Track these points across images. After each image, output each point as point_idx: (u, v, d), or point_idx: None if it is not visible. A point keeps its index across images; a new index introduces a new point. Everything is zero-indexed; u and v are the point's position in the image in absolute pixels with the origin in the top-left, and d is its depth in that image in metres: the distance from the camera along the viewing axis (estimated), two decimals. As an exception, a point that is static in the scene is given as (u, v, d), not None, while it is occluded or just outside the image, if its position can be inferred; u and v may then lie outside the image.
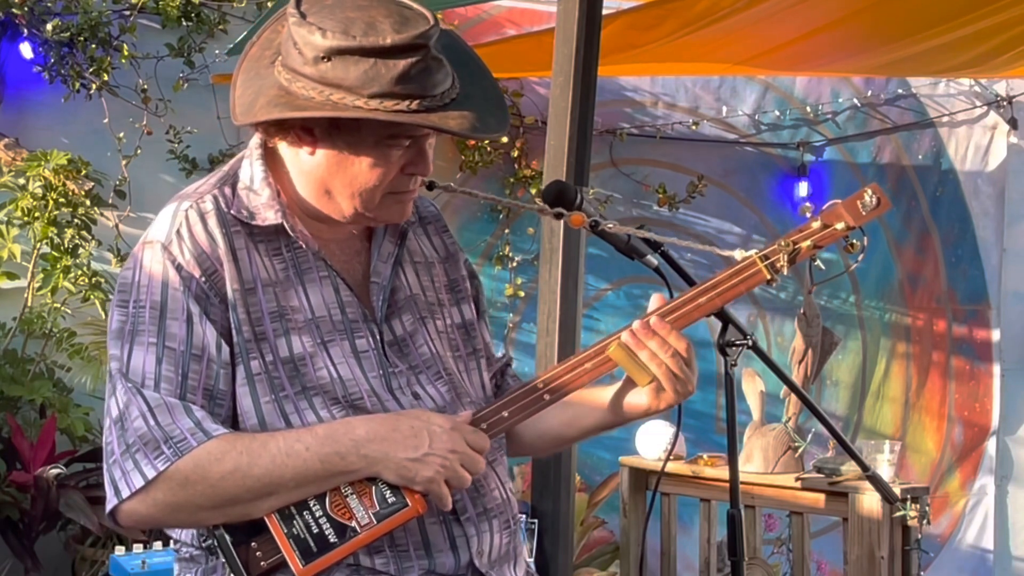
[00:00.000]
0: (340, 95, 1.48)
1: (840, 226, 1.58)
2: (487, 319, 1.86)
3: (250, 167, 1.63)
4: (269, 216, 1.59)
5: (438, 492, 1.52)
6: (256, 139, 1.64)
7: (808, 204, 1.55)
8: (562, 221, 1.77)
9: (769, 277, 1.60)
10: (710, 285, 1.61)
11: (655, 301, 1.65)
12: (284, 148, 1.60)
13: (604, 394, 1.73)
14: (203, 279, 1.55)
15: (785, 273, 1.61)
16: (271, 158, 1.63)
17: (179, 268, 1.54)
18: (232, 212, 1.59)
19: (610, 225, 1.80)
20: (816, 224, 1.60)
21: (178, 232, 1.56)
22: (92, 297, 4.42)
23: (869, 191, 1.59)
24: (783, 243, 1.60)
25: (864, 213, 1.59)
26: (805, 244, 1.59)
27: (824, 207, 1.61)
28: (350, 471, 1.51)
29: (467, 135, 1.54)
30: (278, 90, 1.52)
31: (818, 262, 1.64)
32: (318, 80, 1.49)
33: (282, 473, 1.49)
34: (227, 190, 1.61)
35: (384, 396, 1.60)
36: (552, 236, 3.67)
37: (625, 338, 1.61)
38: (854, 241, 1.60)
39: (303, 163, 1.58)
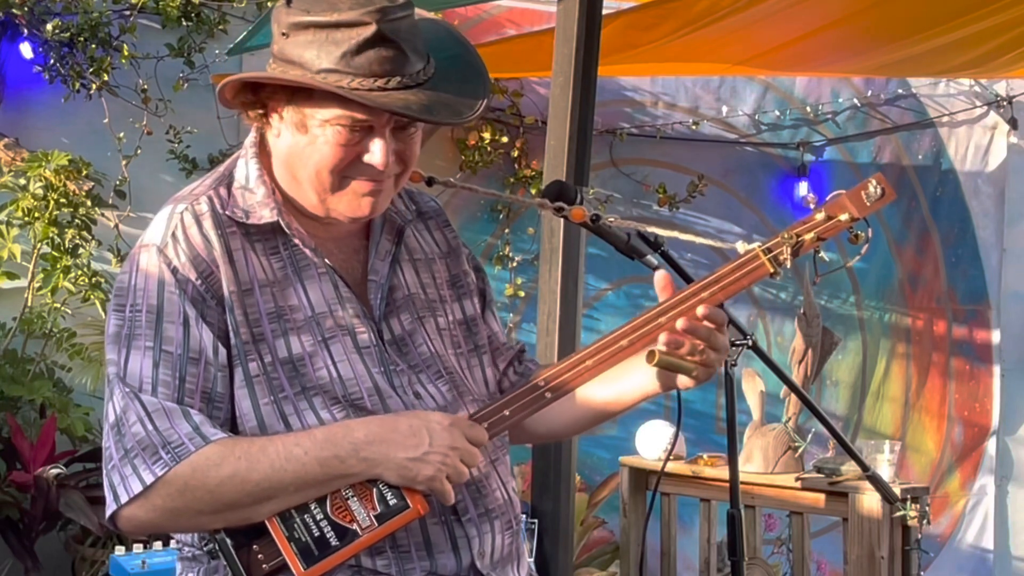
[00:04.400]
0: (295, 71, 1.49)
1: (844, 217, 1.54)
2: (494, 308, 1.84)
3: (245, 166, 1.62)
4: (264, 214, 1.58)
5: (440, 489, 1.51)
6: (251, 138, 1.64)
7: (811, 195, 1.52)
8: (563, 221, 1.75)
9: (772, 270, 1.56)
10: (712, 279, 1.58)
11: (661, 281, 1.61)
12: (269, 139, 1.60)
13: (646, 368, 1.67)
14: (199, 282, 1.54)
15: (788, 266, 1.56)
16: (264, 156, 1.62)
17: (175, 271, 1.54)
18: (227, 213, 1.58)
19: (610, 220, 1.78)
20: (820, 216, 1.55)
21: (173, 235, 1.55)
22: (92, 297, 4.42)
23: (873, 181, 1.54)
24: (786, 235, 1.55)
25: (868, 204, 1.55)
26: (808, 236, 1.55)
27: (828, 198, 1.57)
28: (350, 474, 1.50)
29: (399, 113, 1.49)
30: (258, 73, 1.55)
31: (822, 254, 1.61)
32: (280, 57, 1.51)
33: (281, 477, 1.48)
34: (222, 191, 1.61)
35: (387, 393, 1.59)
36: (552, 236, 3.67)
37: (664, 343, 1.57)
38: (858, 232, 1.57)
39: (275, 148, 1.59)
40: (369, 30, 1.46)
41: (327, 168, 1.54)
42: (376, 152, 1.53)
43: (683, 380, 1.65)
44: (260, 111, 1.56)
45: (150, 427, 1.49)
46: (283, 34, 1.49)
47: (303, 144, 1.54)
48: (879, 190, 1.55)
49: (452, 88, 1.54)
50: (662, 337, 1.57)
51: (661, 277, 1.62)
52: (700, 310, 1.57)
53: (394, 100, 1.47)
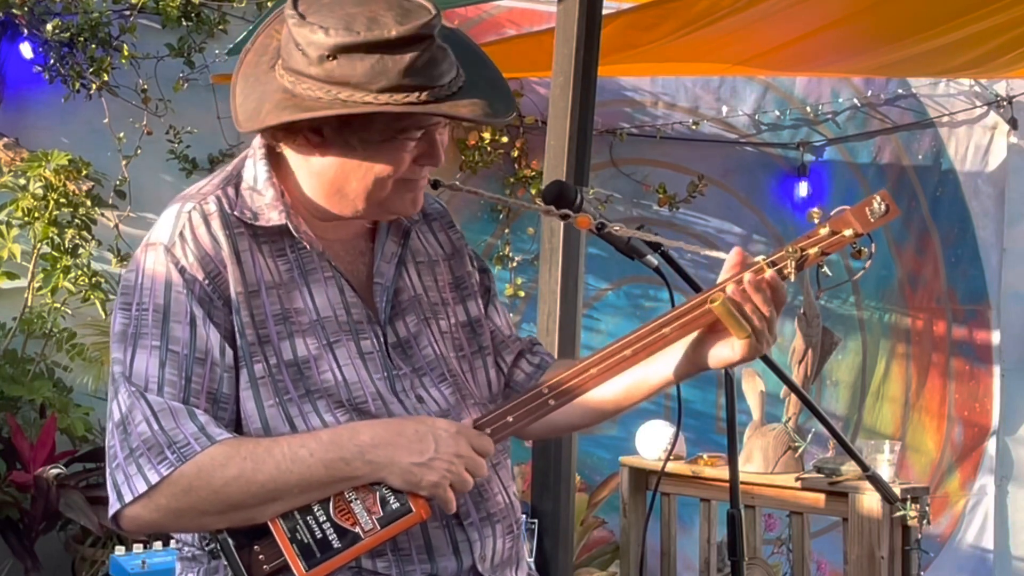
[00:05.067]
0: (348, 92, 1.47)
1: (848, 233, 1.56)
2: (498, 303, 1.84)
3: (254, 167, 1.62)
4: (273, 217, 1.58)
5: (443, 496, 1.51)
6: (259, 139, 1.62)
7: (816, 209, 1.52)
8: (563, 222, 1.75)
9: None
10: (717, 291, 1.60)
11: (735, 257, 1.60)
12: (290, 151, 1.59)
13: (674, 350, 1.66)
14: (206, 282, 1.54)
15: (792, 280, 1.58)
16: (275, 158, 1.61)
17: (182, 271, 1.53)
18: (235, 213, 1.58)
19: (616, 227, 1.78)
20: (824, 231, 1.57)
21: (181, 234, 1.55)
22: (92, 297, 4.42)
23: (878, 198, 1.57)
24: (791, 249, 1.57)
25: (872, 220, 1.57)
26: (812, 251, 1.57)
27: (832, 213, 1.59)
28: (355, 476, 1.50)
29: (480, 120, 1.53)
30: (283, 94, 1.51)
31: (825, 268, 1.62)
32: (324, 79, 1.48)
33: (286, 479, 1.48)
34: (230, 191, 1.60)
35: (389, 398, 1.59)
36: (552, 236, 3.67)
37: (731, 292, 1.56)
38: (862, 248, 1.59)
39: (313, 165, 1.57)
40: (426, 44, 1.47)
41: (390, 177, 1.54)
42: (436, 154, 1.56)
43: (716, 355, 1.63)
44: (292, 135, 1.54)
45: (156, 427, 1.48)
46: (327, 56, 1.46)
47: (360, 159, 1.53)
48: (883, 206, 1.56)
49: (481, 80, 1.55)
50: (730, 287, 1.57)
51: (735, 253, 1.61)
52: (768, 273, 1.56)
53: (469, 108, 1.50)
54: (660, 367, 1.68)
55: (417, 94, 1.47)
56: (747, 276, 1.56)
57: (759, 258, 1.59)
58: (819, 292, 1.67)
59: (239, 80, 1.58)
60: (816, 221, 1.60)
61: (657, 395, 1.75)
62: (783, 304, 1.60)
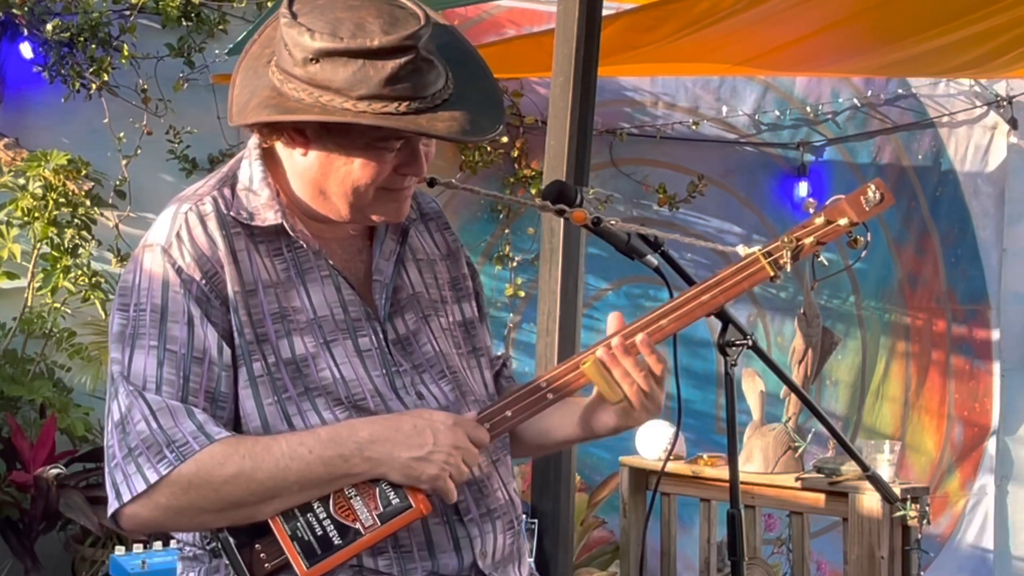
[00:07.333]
0: (329, 97, 1.47)
1: (843, 222, 1.57)
2: (487, 320, 1.86)
3: (249, 168, 1.62)
4: (269, 216, 1.59)
5: (444, 488, 1.53)
6: (254, 139, 1.63)
7: (811, 200, 1.53)
8: (563, 220, 1.76)
9: (772, 274, 1.59)
10: (713, 283, 1.60)
11: (614, 322, 1.64)
12: (280, 148, 1.59)
13: (576, 408, 1.73)
14: (204, 282, 1.54)
15: (788, 270, 1.59)
16: (270, 158, 1.62)
17: (179, 271, 1.54)
18: (232, 214, 1.59)
19: (612, 222, 1.79)
20: (819, 220, 1.58)
21: (178, 235, 1.56)
22: (92, 297, 4.42)
23: (872, 187, 1.57)
24: (786, 239, 1.58)
25: (867, 209, 1.57)
26: (808, 240, 1.58)
27: (827, 203, 1.59)
28: (354, 473, 1.51)
29: (456, 139, 1.52)
30: (270, 91, 1.52)
31: (821, 258, 1.62)
32: (307, 82, 1.48)
33: (285, 476, 1.48)
34: (226, 191, 1.61)
35: (388, 396, 1.60)
36: (552, 236, 3.67)
37: (600, 354, 1.60)
38: (857, 237, 1.59)
39: (297, 164, 1.58)
40: (410, 55, 1.47)
41: (369, 184, 1.55)
42: (417, 164, 1.56)
43: (601, 419, 1.69)
44: (277, 132, 1.55)
45: (155, 425, 1.49)
46: (311, 59, 1.47)
47: (339, 164, 1.54)
48: (878, 195, 1.57)
49: (473, 92, 1.55)
50: (600, 350, 1.61)
51: (614, 318, 1.65)
52: (639, 337, 1.60)
53: (447, 124, 1.48)
54: (563, 426, 1.75)
55: (397, 104, 1.47)
56: (615, 340, 1.59)
57: (754, 249, 1.60)
58: (814, 282, 1.69)
59: (240, 71, 1.59)
60: (812, 211, 1.60)
61: (564, 448, 1.81)
62: (663, 371, 1.61)
